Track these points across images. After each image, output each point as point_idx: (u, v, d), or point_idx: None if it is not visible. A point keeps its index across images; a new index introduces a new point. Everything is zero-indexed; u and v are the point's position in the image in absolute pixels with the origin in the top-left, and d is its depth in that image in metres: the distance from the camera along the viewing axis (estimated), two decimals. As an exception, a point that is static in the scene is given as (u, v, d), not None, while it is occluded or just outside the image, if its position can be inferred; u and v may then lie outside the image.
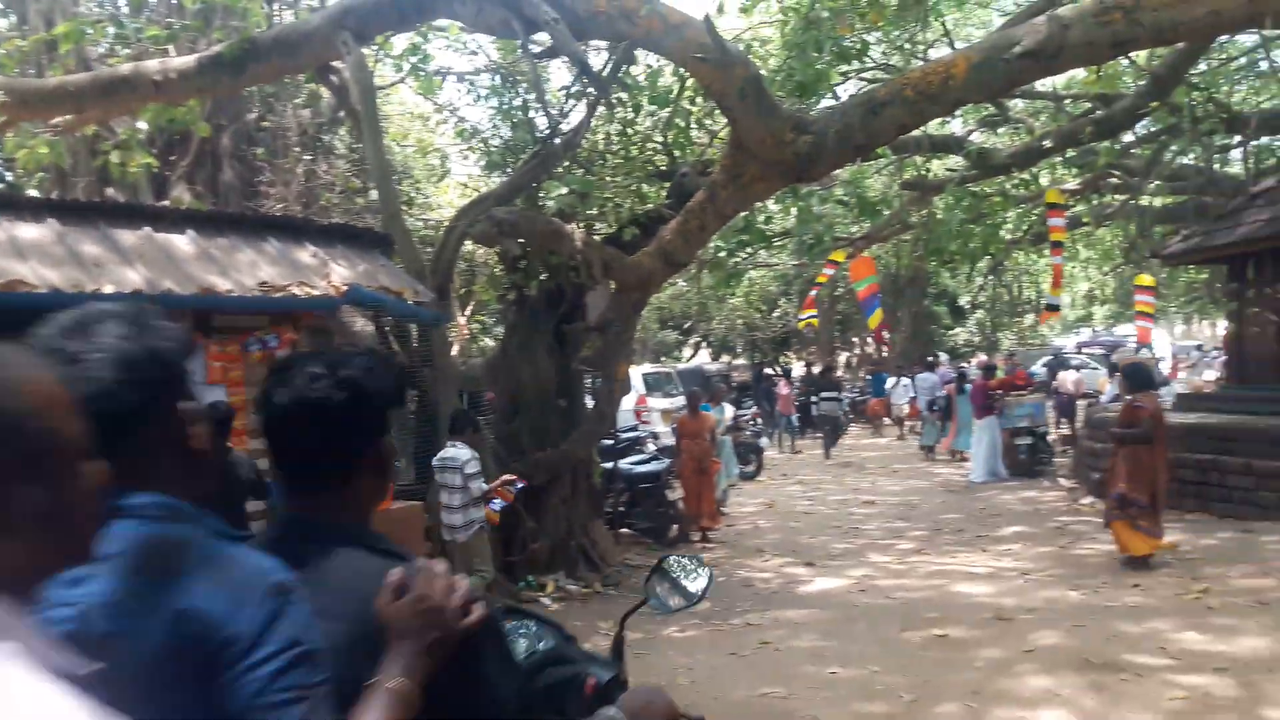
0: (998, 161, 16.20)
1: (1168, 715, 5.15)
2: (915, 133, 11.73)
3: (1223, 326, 17.94)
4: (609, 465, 11.75)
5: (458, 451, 8.04)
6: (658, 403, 21.87)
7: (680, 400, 19.13)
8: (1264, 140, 17.98)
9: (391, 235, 9.17)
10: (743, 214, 11.50)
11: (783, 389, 23.82)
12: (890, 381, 24.85)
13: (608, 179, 10.63)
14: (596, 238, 10.41)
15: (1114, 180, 18.16)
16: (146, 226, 7.36)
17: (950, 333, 35.68)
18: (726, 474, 13.81)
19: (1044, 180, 17.62)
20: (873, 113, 8.37)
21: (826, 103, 12.73)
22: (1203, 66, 15.68)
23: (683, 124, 11.48)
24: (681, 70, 10.24)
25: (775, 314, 33.00)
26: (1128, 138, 17.40)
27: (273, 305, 7.33)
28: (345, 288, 7.52)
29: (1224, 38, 15.45)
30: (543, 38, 8.41)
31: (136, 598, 1.33)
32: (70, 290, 6.06)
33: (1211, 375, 22.96)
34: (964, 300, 34.78)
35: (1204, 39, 11.98)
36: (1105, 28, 7.66)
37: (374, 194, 12.12)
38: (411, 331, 9.48)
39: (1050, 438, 17.96)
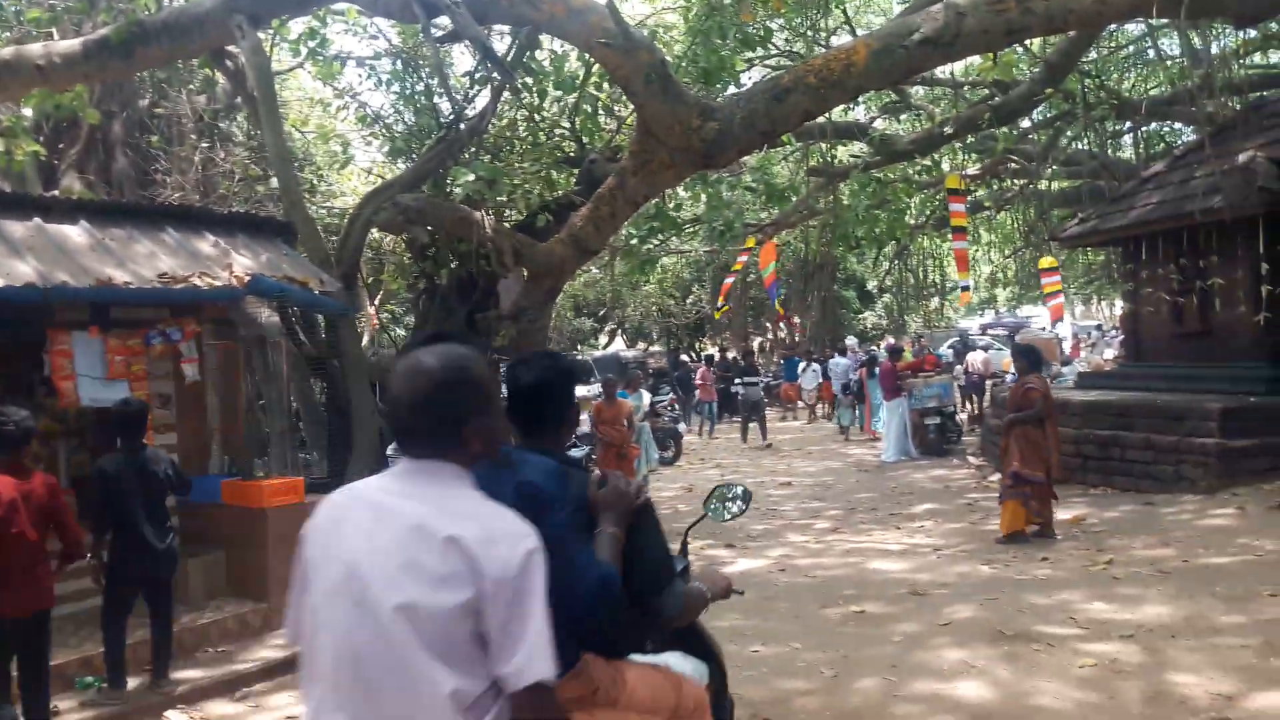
0: (900, 148, 16.51)
1: (1078, 682, 5.29)
2: (819, 120, 11.89)
3: (1120, 307, 18.56)
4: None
5: None
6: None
7: (597, 388, 19.14)
8: (1153, 126, 18.67)
9: (294, 224, 8.99)
10: (654, 201, 11.55)
11: (703, 375, 23.96)
12: (801, 366, 25.21)
13: (516, 165, 10.55)
14: (507, 225, 10.33)
15: (1013, 165, 18.64)
16: (36, 217, 7.09)
17: (859, 316, 36.27)
18: (645, 460, 13.84)
19: (945, 166, 18.01)
20: (777, 99, 8.47)
21: (731, 90, 12.84)
22: (1094, 55, 16.19)
23: (590, 110, 11.46)
24: (587, 56, 10.22)
25: (689, 300, 33.19)
26: (1024, 124, 17.90)
27: (174, 297, 7.14)
28: (248, 278, 7.36)
29: (1113, 26, 15.97)
30: (444, 21, 8.33)
31: (497, 475, 2.40)
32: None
33: (1111, 354, 23.70)
34: (871, 285, 35.41)
35: (1094, 27, 12.35)
36: (999, 16, 7.87)
37: (274, 182, 11.85)
38: (318, 322, 9.31)
39: (959, 417, 18.39)
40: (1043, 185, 19.25)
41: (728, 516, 3.67)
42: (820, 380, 23.86)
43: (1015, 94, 14.91)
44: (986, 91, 16.09)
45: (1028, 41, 13.27)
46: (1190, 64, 12.93)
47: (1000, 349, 24.87)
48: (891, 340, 26.46)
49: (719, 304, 24.93)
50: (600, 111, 11.96)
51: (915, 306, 34.76)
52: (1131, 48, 18.38)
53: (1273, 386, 11.02)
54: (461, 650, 1.91)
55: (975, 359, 21.87)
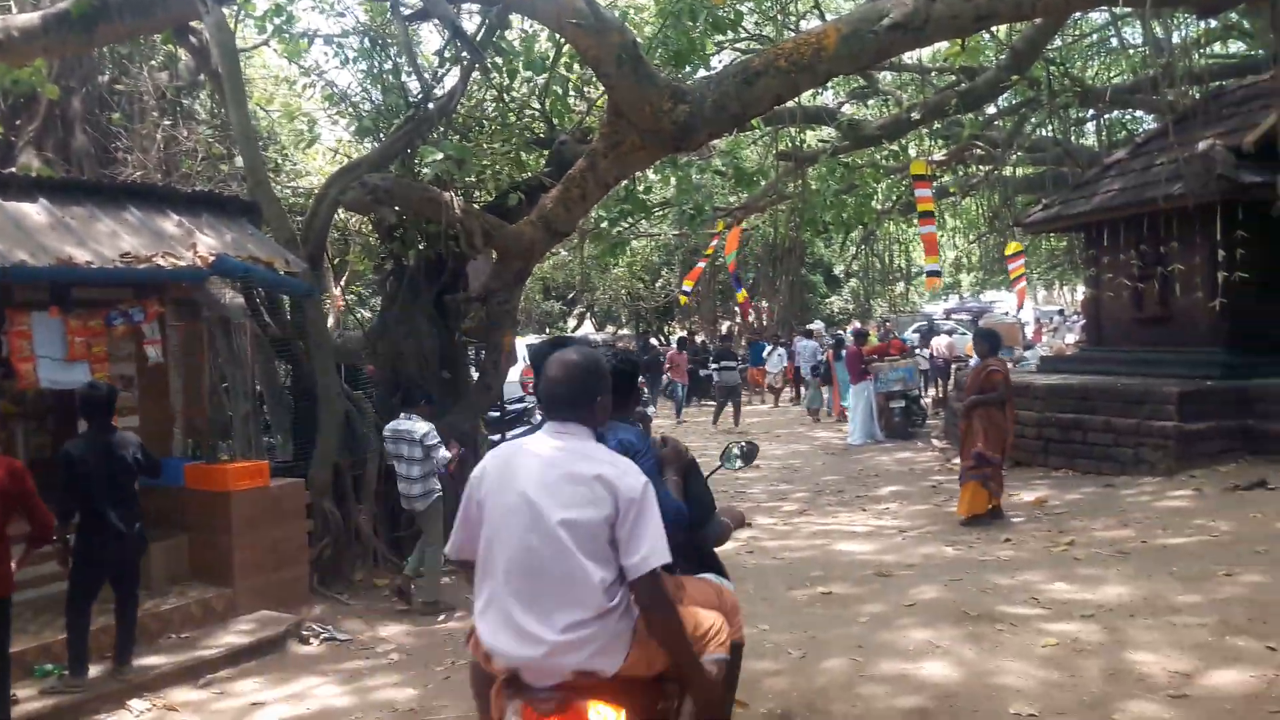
0: (868, 133, 16.55)
1: (1041, 662, 5.37)
2: (789, 104, 11.88)
3: (1082, 292, 18.74)
4: (496, 437, 11.65)
5: (414, 424, 8.15)
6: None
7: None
8: (1115, 114, 18.85)
9: (259, 203, 8.87)
10: (624, 183, 11.51)
11: (672, 357, 23.95)
12: (766, 350, 25.31)
13: (485, 146, 10.46)
14: (476, 206, 10.25)
15: (978, 151, 18.76)
16: (-7, 195, 6.97)
17: (826, 301, 36.43)
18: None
19: (912, 151, 18.07)
20: (748, 83, 8.45)
21: (701, 73, 12.80)
22: (1058, 43, 16.31)
23: (560, 91, 11.38)
24: (557, 36, 10.15)
25: (658, 284, 33.18)
26: (990, 110, 18.02)
27: (136, 277, 7.04)
28: (212, 258, 7.27)
29: (1077, 15, 16.10)
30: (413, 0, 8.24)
31: (602, 435, 3.19)
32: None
33: (1072, 338, 23.98)
34: (838, 269, 35.56)
35: (1060, 14, 12.44)
36: (968, 2, 7.88)
37: (239, 161, 11.69)
38: (284, 303, 9.20)
39: (924, 401, 18.55)
40: (1007, 171, 19.41)
41: (737, 466, 4.77)
42: (785, 364, 23.98)
43: (981, 80, 15.00)
44: (953, 78, 16.16)
45: (995, 29, 13.34)
46: (1152, 53, 13.04)
47: (964, 333, 25.09)
48: (858, 324, 26.63)
49: (684, 288, 24.91)
50: (570, 93, 11.89)
51: (881, 291, 35.00)
52: (1095, 36, 18.54)
53: (1229, 371, 11.23)
54: (602, 550, 2.87)
55: (940, 343, 22.08)
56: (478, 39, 9.93)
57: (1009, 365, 11.44)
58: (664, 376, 24.00)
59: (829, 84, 13.91)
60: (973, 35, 11.98)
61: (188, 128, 13.58)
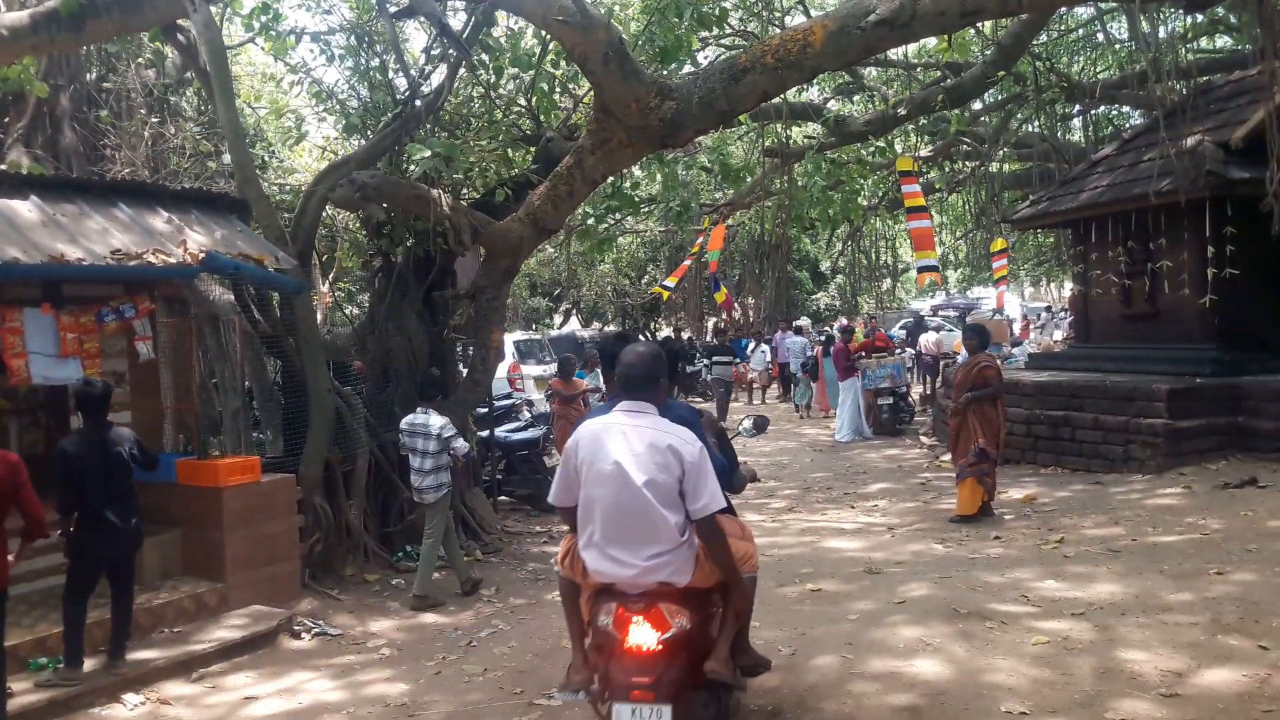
0: (854, 129, 16.60)
1: (1032, 660, 5.39)
2: (775, 100, 11.89)
3: (1069, 289, 18.81)
4: (485, 433, 11.66)
5: (429, 418, 8.31)
6: (531, 370, 21.79)
7: (553, 367, 19.11)
8: (1102, 109, 18.94)
9: (249, 200, 8.85)
10: (611, 180, 11.51)
11: None
12: (750, 346, 25.34)
13: (472, 143, 10.45)
14: (463, 203, 10.25)
15: (965, 147, 18.84)
16: (-17, 192, 6.94)
17: (812, 297, 36.50)
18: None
19: (898, 147, 18.12)
20: (734, 79, 8.47)
21: (687, 70, 12.81)
22: (1044, 38, 16.37)
23: (546, 88, 11.37)
24: (543, 33, 10.14)
25: (644, 280, 33.16)
26: (976, 106, 18.09)
27: (127, 274, 7.02)
28: (202, 255, 7.25)
29: (1063, 10, 16.16)
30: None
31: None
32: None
33: (1060, 335, 24.11)
34: (825, 266, 35.63)
35: (1046, 10, 12.50)
36: (955, -4, 7.91)
37: (226, 158, 11.64)
38: (273, 300, 9.19)
39: (911, 397, 18.61)
40: (994, 167, 19.49)
41: (751, 435, 5.98)
42: (768, 361, 24.00)
43: (967, 76, 15.05)
44: (939, 74, 16.22)
45: (981, 24, 13.40)
46: (1139, 48, 13.10)
47: (952, 330, 25.20)
48: (844, 321, 26.69)
49: (667, 284, 24.82)
50: (557, 90, 11.88)
51: (868, 288, 35.06)
52: (1081, 31, 18.61)
53: (1218, 368, 11.28)
54: (674, 500, 3.93)
55: (928, 340, 22.14)
56: (464, 36, 9.92)
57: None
58: None
59: (815, 80, 13.90)
60: (959, 31, 12.01)
61: (175, 125, 13.54)
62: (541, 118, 11.52)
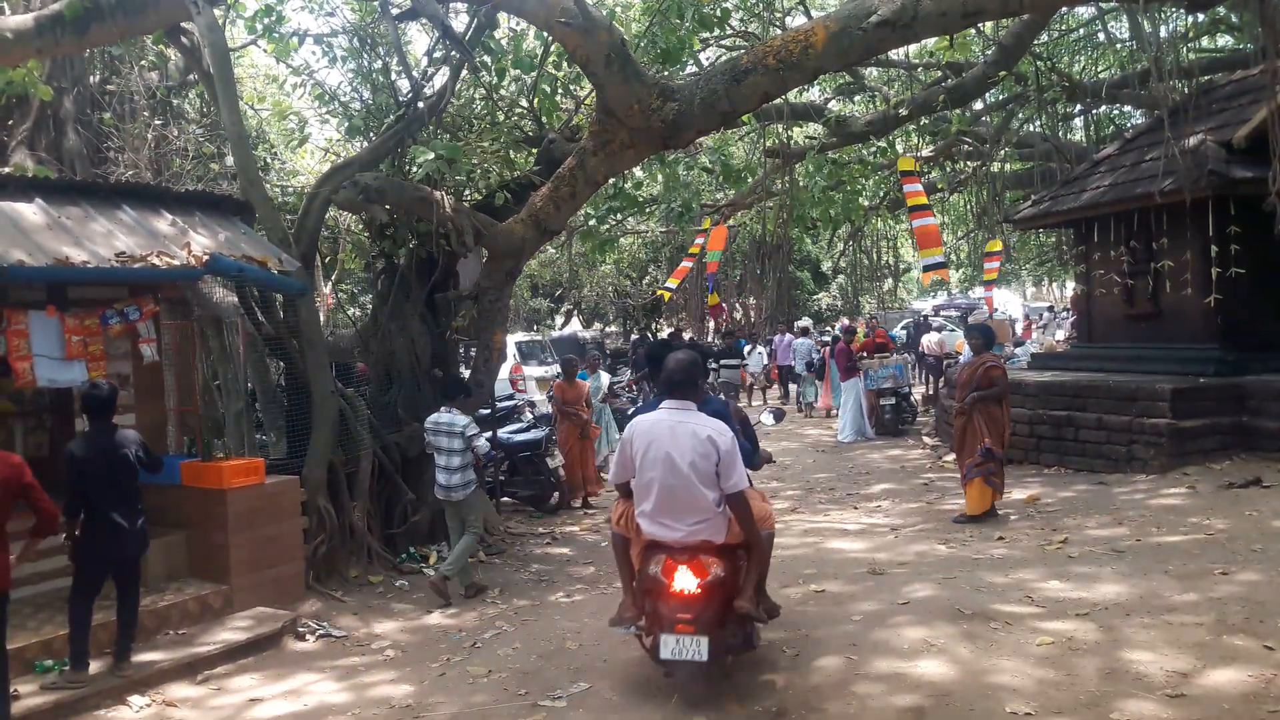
0: (856, 129, 16.60)
1: (1036, 660, 5.37)
2: (776, 101, 11.91)
3: (1070, 288, 18.80)
4: (487, 435, 11.66)
5: (454, 417, 8.50)
6: (533, 371, 21.80)
7: (555, 369, 19.12)
8: (1103, 109, 18.93)
9: (252, 202, 8.86)
10: (613, 181, 11.52)
11: None
12: (747, 348, 25.33)
13: (475, 145, 10.46)
14: (466, 204, 10.26)
15: (966, 147, 18.83)
16: (-11, 196, 6.95)
17: (814, 298, 36.51)
18: (606, 441, 13.89)
19: (900, 148, 18.12)
20: (736, 80, 8.48)
21: (689, 71, 12.83)
22: (1045, 38, 16.37)
23: (548, 90, 11.39)
24: (545, 35, 10.15)
25: (645, 281, 33.18)
26: (977, 106, 18.08)
27: (132, 276, 7.03)
28: (206, 257, 7.26)
29: (1065, 10, 16.17)
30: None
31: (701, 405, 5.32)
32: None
33: (1062, 335, 24.08)
34: (826, 266, 35.63)
35: (1048, 10, 12.50)
36: (956, -3, 7.91)
37: (230, 160, 11.65)
38: (276, 302, 9.20)
39: (914, 398, 18.60)
40: (995, 167, 19.49)
41: (771, 424, 7.66)
42: (765, 363, 23.99)
43: (969, 76, 15.05)
44: (940, 74, 16.21)
45: (982, 24, 13.40)
46: (1140, 47, 13.09)
47: (953, 330, 25.18)
48: (846, 321, 26.69)
49: (669, 285, 24.82)
50: (559, 91, 11.90)
51: (869, 288, 35.08)
52: (1082, 31, 18.62)
53: (1222, 367, 11.26)
54: (711, 480, 4.99)
55: (930, 340, 22.12)
56: (466, 38, 9.93)
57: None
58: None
59: (816, 81, 13.92)
60: (961, 31, 12.01)
61: (178, 127, 13.56)
62: (544, 119, 11.53)
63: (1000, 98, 18.08)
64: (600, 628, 6.98)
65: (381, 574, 8.94)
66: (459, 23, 10.53)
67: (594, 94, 9.66)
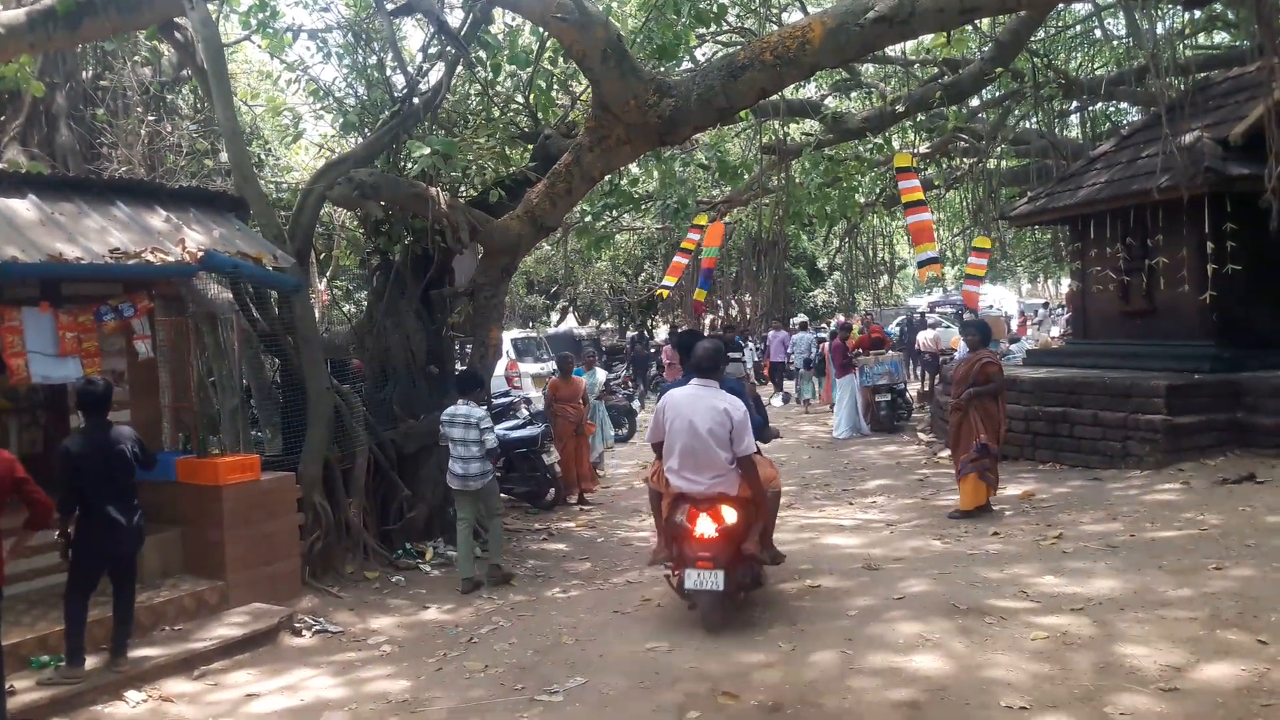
0: (852, 126, 16.59)
1: (1031, 655, 5.39)
2: (773, 97, 11.90)
3: (1065, 285, 18.80)
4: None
5: (470, 409, 8.61)
6: (528, 368, 21.79)
7: (551, 365, 19.11)
8: (1100, 106, 18.94)
9: (246, 199, 8.84)
10: (609, 177, 11.51)
11: (669, 354, 23.93)
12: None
13: (470, 141, 10.45)
14: (461, 200, 10.24)
15: (962, 144, 18.82)
16: (-20, 191, 6.93)
17: (810, 294, 36.51)
18: (602, 437, 13.87)
19: (896, 144, 18.11)
20: (733, 76, 8.48)
21: (685, 67, 12.82)
22: (1041, 34, 16.36)
23: (544, 85, 11.38)
24: (541, 30, 10.14)
25: (640, 278, 33.17)
26: (974, 103, 18.07)
27: (126, 273, 7.01)
28: (201, 253, 7.24)
29: (1061, 7, 16.16)
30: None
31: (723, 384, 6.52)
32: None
33: (1057, 331, 24.12)
34: (822, 263, 35.64)
35: (1044, 7, 12.49)
36: (954, -6, 7.91)
37: (224, 156, 11.63)
38: (271, 298, 9.18)
39: (909, 394, 18.62)
40: (991, 164, 19.49)
41: (779, 406, 9.24)
42: (756, 359, 24.00)
43: (965, 73, 15.05)
44: (937, 70, 16.21)
45: (978, 21, 13.39)
46: (1136, 44, 13.09)
47: (949, 327, 25.19)
48: (842, 318, 26.72)
49: (666, 283, 24.77)
50: (555, 87, 11.89)
51: (865, 284, 35.10)
52: (1079, 28, 18.61)
53: (1217, 364, 11.28)
54: (726, 444, 6.20)
55: (925, 337, 22.15)
56: (462, 33, 9.91)
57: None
58: (655, 372, 23.97)
59: (813, 77, 13.91)
60: (958, 28, 12.01)
61: (172, 123, 13.52)
62: (539, 115, 11.53)
63: (997, 94, 18.07)
64: (598, 621, 7.00)
65: (378, 570, 8.93)
66: (454, 18, 10.53)
67: (590, 90, 9.66)
